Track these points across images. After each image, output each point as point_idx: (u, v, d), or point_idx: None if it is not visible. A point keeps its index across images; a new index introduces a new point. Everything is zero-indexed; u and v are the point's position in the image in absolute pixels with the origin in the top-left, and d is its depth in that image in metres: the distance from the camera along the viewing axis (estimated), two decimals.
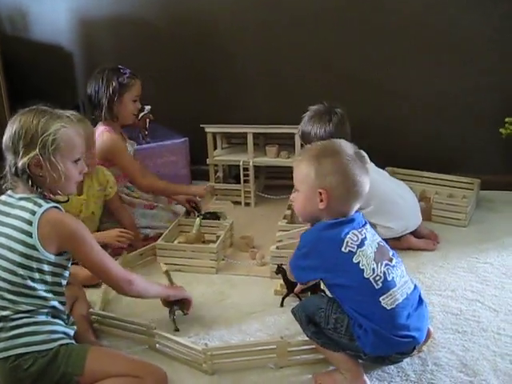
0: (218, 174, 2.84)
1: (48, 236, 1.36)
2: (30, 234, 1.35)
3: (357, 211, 1.50)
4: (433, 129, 2.76)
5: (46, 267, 1.38)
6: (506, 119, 2.50)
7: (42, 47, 3.04)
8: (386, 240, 1.54)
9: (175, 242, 2.20)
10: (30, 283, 1.36)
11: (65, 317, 1.45)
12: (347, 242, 1.41)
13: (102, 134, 2.27)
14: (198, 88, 2.93)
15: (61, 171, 1.40)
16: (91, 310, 1.75)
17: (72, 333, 1.45)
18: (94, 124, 2.27)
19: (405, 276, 1.47)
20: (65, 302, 1.47)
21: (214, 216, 2.34)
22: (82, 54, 3.05)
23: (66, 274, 1.46)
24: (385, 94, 2.74)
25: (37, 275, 1.37)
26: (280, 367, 1.55)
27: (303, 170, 1.48)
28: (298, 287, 1.77)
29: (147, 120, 2.61)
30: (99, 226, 2.20)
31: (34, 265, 1.36)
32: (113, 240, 2.05)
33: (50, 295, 1.40)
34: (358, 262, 1.40)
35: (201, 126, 2.71)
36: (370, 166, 1.62)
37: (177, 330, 1.71)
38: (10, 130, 1.38)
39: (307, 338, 1.52)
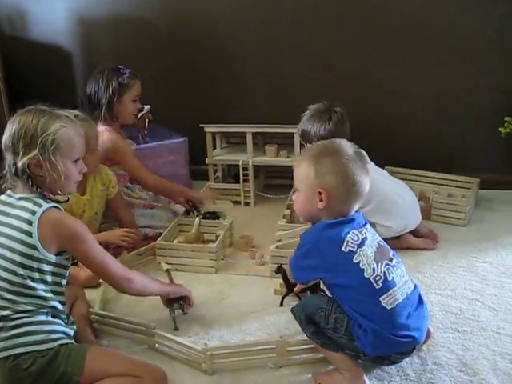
0: (217, 173, 2.84)
1: (48, 236, 1.36)
2: (29, 234, 1.35)
3: (357, 211, 1.50)
4: (433, 129, 2.77)
5: (46, 267, 1.38)
6: (506, 118, 2.51)
7: (41, 47, 3.04)
8: (385, 239, 1.54)
9: (174, 241, 2.20)
10: (29, 283, 1.36)
11: (64, 316, 1.45)
12: (347, 242, 1.41)
13: (102, 133, 2.26)
14: (198, 88, 2.93)
15: (61, 171, 1.40)
16: (91, 309, 1.75)
17: (72, 332, 1.45)
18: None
19: (405, 276, 1.47)
20: (65, 301, 1.47)
21: (214, 215, 2.34)
22: (81, 53, 3.05)
23: (66, 273, 1.46)
24: (385, 94, 2.75)
25: (37, 275, 1.37)
26: (279, 367, 1.55)
27: (303, 170, 1.48)
28: (298, 287, 1.77)
29: (146, 120, 2.61)
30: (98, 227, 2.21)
31: (34, 264, 1.36)
32: (118, 239, 2.06)
33: (49, 295, 1.40)
34: (359, 262, 1.40)
35: (200, 125, 2.71)
36: (370, 165, 1.62)
37: (176, 329, 1.71)
38: (10, 129, 1.38)
39: (307, 338, 1.52)
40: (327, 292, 1.58)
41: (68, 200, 1.54)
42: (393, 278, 1.42)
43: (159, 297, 1.73)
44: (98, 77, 2.30)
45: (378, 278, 1.40)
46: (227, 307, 1.85)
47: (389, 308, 1.38)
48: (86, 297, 1.78)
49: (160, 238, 2.15)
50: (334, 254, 1.42)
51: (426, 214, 2.39)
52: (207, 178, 2.81)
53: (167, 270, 1.92)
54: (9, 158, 1.40)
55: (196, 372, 1.54)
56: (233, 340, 1.67)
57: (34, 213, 1.36)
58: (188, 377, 1.53)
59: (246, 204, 2.72)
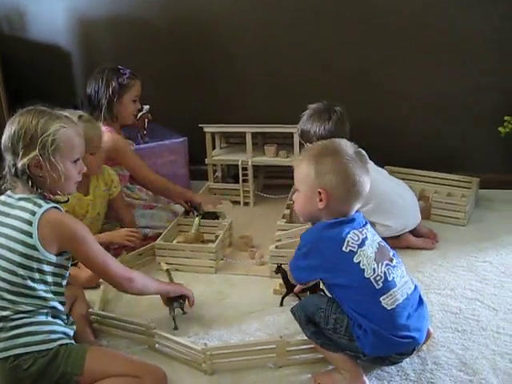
0: (216, 173, 2.84)
1: (48, 236, 1.36)
2: (30, 235, 1.35)
3: (357, 211, 1.50)
4: (433, 129, 2.77)
5: (46, 267, 1.38)
6: (506, 117, 2.51)
7: (40, 47, 3.04)
8: (384, 239, 1.54)
9: (174, 241, 2.20)
10: (29, 283, 1.36)
11: (64, 317, 1.45)
12: (348, 242, 1.41)
13: (103, 134, 2.26)
14: (198, 88, 2.92)
15: (61, 171, 1.40)
16: (90, 309, 1.75)
17: (71, 333, 1.45)
18: None
19: (405, 276, 1.47)
20: (65, 302, 1.47)
21: (213, 215, 2.34)
22: (81, 53, 3.05)
23: (66, 274, 1.46)
24: (385, 94, 2.75)
25: (37, 275, 1.37)
26: (279, 367, 1.55)
27: (303, 170, 1.48)
28: (298, 287, 1.77)
29: (146, 120, 2.61)
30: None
31: (35, 265, 1.36)
32: (122, 239, 2.06)
33: (49, 295, 1.40)
34: (359, 262, 1.40)
35: (199, 125, 2.71)
36: (370, 165, 1.62)
37: (176, 328, 1.71)
38: (9, 130, 1.38)
39: (306, 338, 1.51)
40: (327, 292, 1.58)
41: (68, 200, 1.54)
42: (393, 278, 1.42)
43: (159, 296, 1.73)
44: (97, 77, 2.30)
45: (378, 278, 1.40)
46: (227, 307, 1.85)
47: (389, 308, 1.38)
48: (85, 297, 1.78)
49: (160, 238, 2.15)
50: (334, 254, 1.42)
51: (426, 214, 2.39)
52: (207, 178, 2.81)
53: (167, 270, 1.92)
54: (8, 158, 1.40)
55: (196, 372, 1.54)
56: (232, 340, 1.67)
57: (33, 213, 1.36)
58: (188, 377, 1.53)
59: (246, 204, 2.72)
